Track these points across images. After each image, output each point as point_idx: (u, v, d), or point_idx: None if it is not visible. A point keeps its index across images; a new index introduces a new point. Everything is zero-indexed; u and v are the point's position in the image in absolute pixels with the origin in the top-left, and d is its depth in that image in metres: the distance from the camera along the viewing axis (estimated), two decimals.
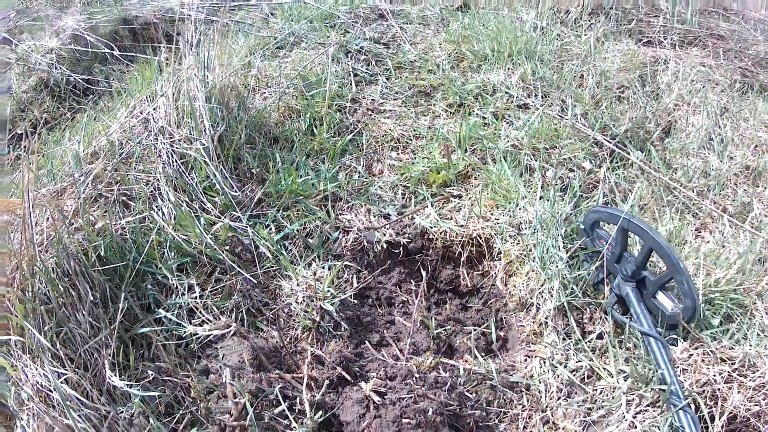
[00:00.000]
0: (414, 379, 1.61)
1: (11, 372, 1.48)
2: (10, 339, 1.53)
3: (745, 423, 1.57)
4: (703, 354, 1.68)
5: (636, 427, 1.54)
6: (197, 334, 1.69)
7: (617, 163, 2.46)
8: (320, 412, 1.52)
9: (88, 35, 3.18)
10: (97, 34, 3.26)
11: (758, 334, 1.72)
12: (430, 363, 1.73)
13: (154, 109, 2.28)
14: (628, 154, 2.47)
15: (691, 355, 1.68)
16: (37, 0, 3.52)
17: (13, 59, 3.16)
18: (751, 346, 1.68)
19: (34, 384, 1.48)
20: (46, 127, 2.79)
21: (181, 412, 1.52)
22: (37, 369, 1.50)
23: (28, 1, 3.57)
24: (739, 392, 1.59)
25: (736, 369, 1.63)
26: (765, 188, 2.41)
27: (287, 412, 1.50)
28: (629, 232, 1.79)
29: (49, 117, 2.98)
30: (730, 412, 1.56)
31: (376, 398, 1.53)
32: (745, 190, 2.37)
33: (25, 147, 2.19)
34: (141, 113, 2.30)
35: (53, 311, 1.58)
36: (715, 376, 1.62)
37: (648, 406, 1.59)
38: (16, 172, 2.20)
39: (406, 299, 2.03)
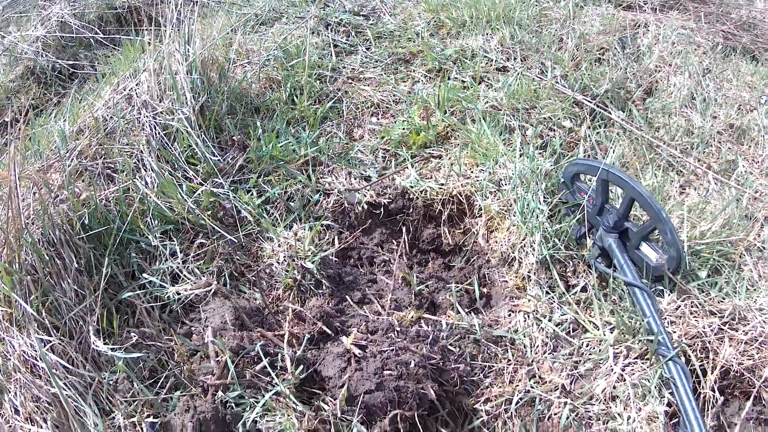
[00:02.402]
0: (395, 332, 1.60)
1: None
2: None
3: (738, 378, 1.55)
4: (692, 306, 1.66)
5: (625, 380, 1.51)
6: (179, 295, 1.70)
7: (598, 122, 2.45)
8: (301, 368, 1.51)
9: (73, 22, 3.20)
10: (82, 20, 3.27)
11: (747, 288, 1.70)
12: (412, 317, 1.73)
13: (137, 85, 2.30)
14: (609, 113, 2.46)
15: (679, 306, 1.66)
16: None
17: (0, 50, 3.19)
18: (740, 299, 1.65)
19: (20, 354, 1.47)
20: (33, 112, 2.81)
21: (165, 374, 1.52)
22: (23, 339, 1.49)
23: None
24: (730, 346, 1.57)
25: (726, 322, 1.61)
26: (749, 146, 2.40)
27: (269, 369, 1.49)
28: (609, 183, 1.79)
29: (36, 103, 3.00)
30: (723, 366, 1.54)
31: (357, 351, 1.51)
32: (729, 147, 2.36)
33: (12, 133, 2.20)
34: (124, 89, 2.31)
35: (39, 281, 1.58)
36: (704, 328, 1.60)
37: (636, 358, 1.56)
38: (2, 155, 2.23)
39: (387, 258, 2.04)
